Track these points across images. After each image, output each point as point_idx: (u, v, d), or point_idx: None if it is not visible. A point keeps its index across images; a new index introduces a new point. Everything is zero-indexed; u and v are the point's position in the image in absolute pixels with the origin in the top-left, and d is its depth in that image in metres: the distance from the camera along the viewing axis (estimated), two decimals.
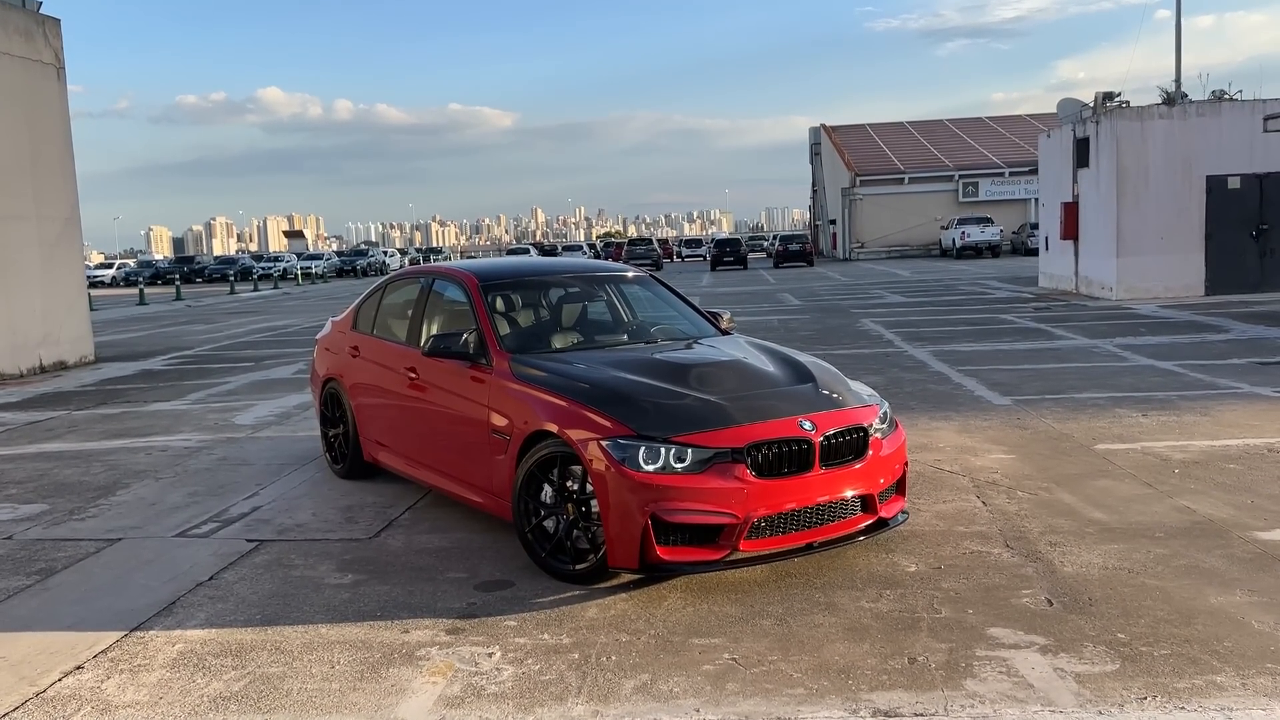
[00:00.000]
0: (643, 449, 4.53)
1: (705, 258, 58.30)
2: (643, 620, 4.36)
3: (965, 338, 14.45)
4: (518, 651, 4.09)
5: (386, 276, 7.28)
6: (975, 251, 44.19)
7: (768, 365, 5.42)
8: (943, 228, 48.25)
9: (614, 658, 3.99)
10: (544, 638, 4.22)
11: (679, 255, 69.51)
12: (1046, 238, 23.64)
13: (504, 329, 5.86)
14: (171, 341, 19.46)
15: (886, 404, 5.35)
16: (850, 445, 4.85)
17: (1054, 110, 22.98)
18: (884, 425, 5.14)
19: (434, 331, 6.13)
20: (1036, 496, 6.07)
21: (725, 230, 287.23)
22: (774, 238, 58.32)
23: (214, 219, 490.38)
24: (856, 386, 5.42)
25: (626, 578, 4.78)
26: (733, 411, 4.74)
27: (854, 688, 3.64)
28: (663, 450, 4.54)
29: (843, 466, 4.80)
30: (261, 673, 3.97)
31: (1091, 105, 21.22)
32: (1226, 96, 20.14)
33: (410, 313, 6.53)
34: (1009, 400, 9.27)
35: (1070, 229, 21.48)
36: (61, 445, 8.89)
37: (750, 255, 53.87)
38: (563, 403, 4.91)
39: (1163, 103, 20.18)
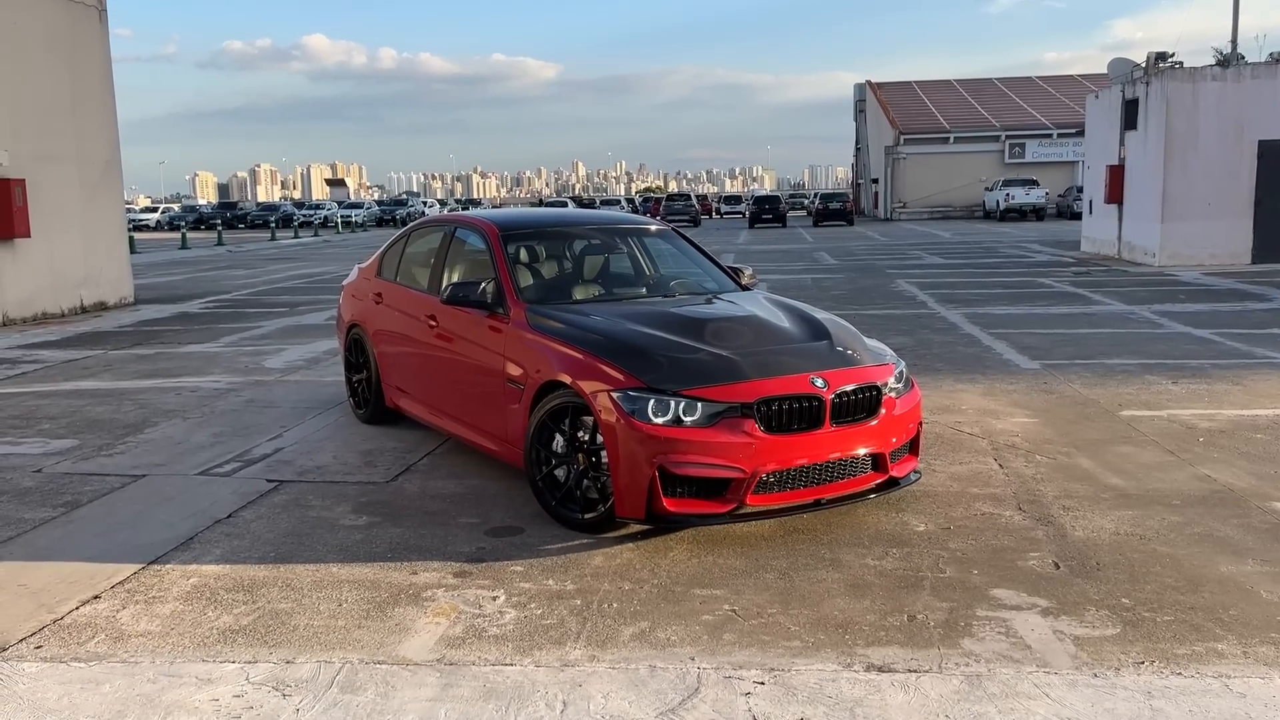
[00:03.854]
0: (652, 401, 4.54)
1: (744, 215, 57.85)
2: (647, 570, 4.40)
3: (1000, 301, 14.27)
4: (522, 596, 4.14)
5: (411, 224, 7.31)
6: (1019, 214, 43.47)
7: (783, 321, 5.39)
8: (987, 189, 47.47)
9: (615, 605, 4.03)
10: (549, 583, 4.27)
11: (718, 212, 68.99)
12: (1090, 201, 23.20)
13: (523, 279, 5.87)
14: (210, 285, 19.72)
15: (903, 363, 5.31)
16: (862, 403, 4.83)
17: (1106, 71, 22.41)
18: (899, 384, 5.10)
19: (454, 280, 6.16)
20: (1055, 461, 6.02)
21: (767, 187, 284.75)
22: (814, 196, 57.70)
23: (258, 166, 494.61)
24: (873, 345, 5.38)
25: (634, 528, 4.82)
26: (744, 366, 4.73)
27: (850, 642, 3.66)
28: (672, 403, 4.54)
29: (854, 424, 4.78)
30: (271, 608, 4.06)
31: (1143, 66, 20.67)
32: None
33: (432, 261, 6.56)
34: (1038, 364, 9.17)
35: (1115, 192, 21.05)
36: (95, 383, 9.07)
37: (790, 213, 53.38)
38: (576, 354, 4.92)
39: (1216, 64, 19.60)
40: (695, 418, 4.54)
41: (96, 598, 4.20)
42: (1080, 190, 43.57)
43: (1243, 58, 20.31)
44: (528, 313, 5.42)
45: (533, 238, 6.35)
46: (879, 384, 4.91)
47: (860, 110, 63.42)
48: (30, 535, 4.99)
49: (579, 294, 5.95)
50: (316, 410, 7.72)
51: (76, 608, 4.10)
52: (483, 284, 5.65)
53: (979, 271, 19.27)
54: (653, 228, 6.84)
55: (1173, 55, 20.71)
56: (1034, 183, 44.65)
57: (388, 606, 4.06)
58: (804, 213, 61.71)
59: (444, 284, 6.19)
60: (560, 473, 5.00)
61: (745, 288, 6.34)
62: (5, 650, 3.72)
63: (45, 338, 12.31)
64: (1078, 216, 41.15)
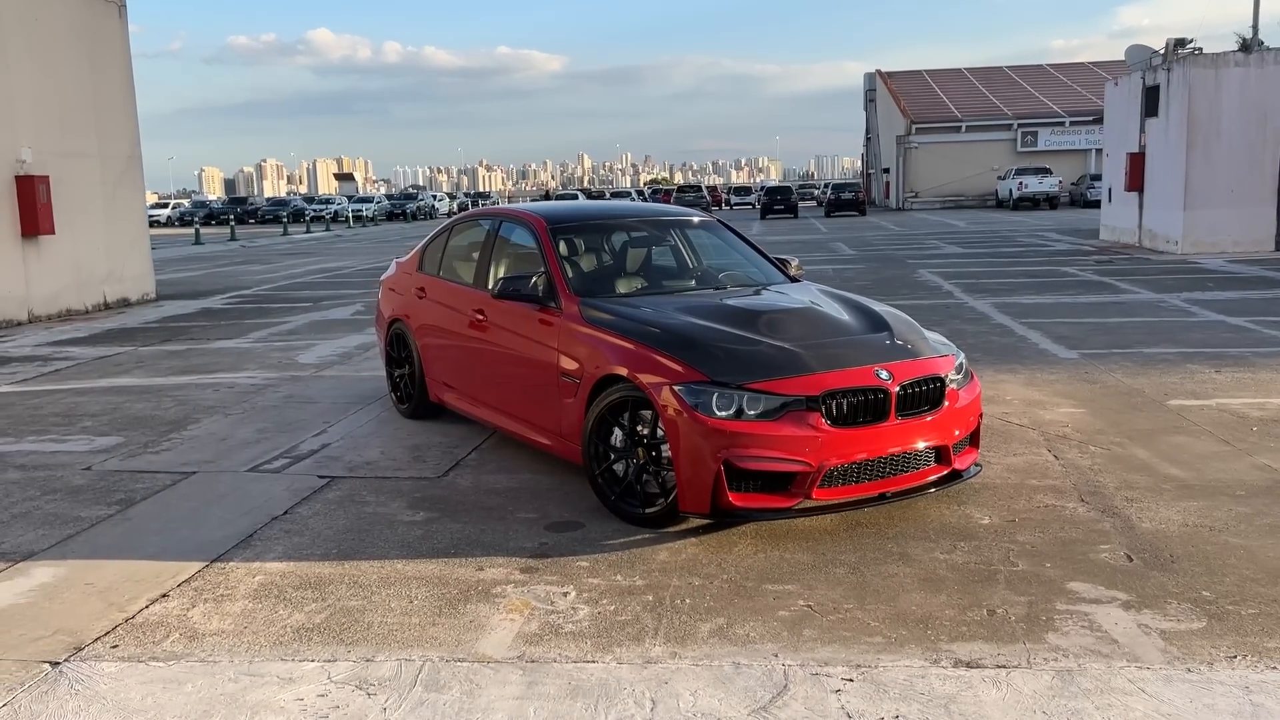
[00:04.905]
0: (716, 395, 4.50)
1: (755, 205, 57.74)
2: (714, 565, 4.36)
3: (1026, 290, 14.19)
4: (592, 592, 4.11)
5: (452, 218, 7.27)
6: (1032, 203, 43.28)
7: (841, 313, 5.35)
8: (999, 178, 47.27)
9: (688, 600, 4.00)
10: (617, 579, 4.24)
11: (728, 203, 68.86)
12: (1110, 189, 23.06)
13: (574, 272, 5.83)
14: (229, 281, 19.72)
15: (962, 354, 5.26)
16: (926, 395, 4.78)
17: (1116, 58, 22.31)
18: (959, 376, 5.06)
19: (501, 274, 6.13)
20: (1109, 451, 5.97)
21: (773, 178, 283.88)
22: (825, 186, 57.54)
23: (264, 161, 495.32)
24: (931, 336, 5.33)
25: (695, 522, 4.78)
26: (807, 359, 4.68)
27: (933, 638, 3.62)
28: (736, 396, 4.50)
29: (918, 417, 4.74)
30: (342, 605, 4.03)
31: (1162, 52, 20.53)
32: None
33: (477, 255, 6.53)
34: (1075, 354, 9.11)
35: (1135, 180, 20.92)
36: (131, 380, 9.06)
37: (800, 204, 53.21)
38: (634, 347, 4.88)
39: (1239, 49, 19.46)
40: (760, 411, 4.50)
41: (165, 596, 4.18)
42: (1094, 178, 43.46)
43: (1262, 43, 20.17)
44: (580, 306, 5.38)
45: (581, 231, 6.31)
46: (942, 376, 4.87)
47: (870, 100, 63.15)
48: (90, 533, 4.97)
49: (630, 286, 5.90)
50: (357, 405, 7.70)
51: (146, 606, 4.08)
52: (534, 278, 5.61)
53: (1000, 260, 19.18)
54: (696, 219, 6.78)
55: (1192, 41, 20.57)
56: (1047, 171, 44.43)
57: (459, 603, 4.03)
58: (814, 203, 61.56)
59: (491, 278, 6.16)
60: (619, 467, 4.97)
61: (793, 279, 6.30)
62: (81, 650, 3.70)
63: (73, 334, 12.32)
64: (1091, 205, 41.05)
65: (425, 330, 6.85)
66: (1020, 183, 43.73)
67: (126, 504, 5.41)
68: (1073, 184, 45.80)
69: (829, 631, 3.70)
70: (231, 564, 4.53)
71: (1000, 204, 46.18)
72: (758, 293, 5.88)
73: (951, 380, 4.94)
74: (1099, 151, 48.28)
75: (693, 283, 6.13)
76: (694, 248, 6.55)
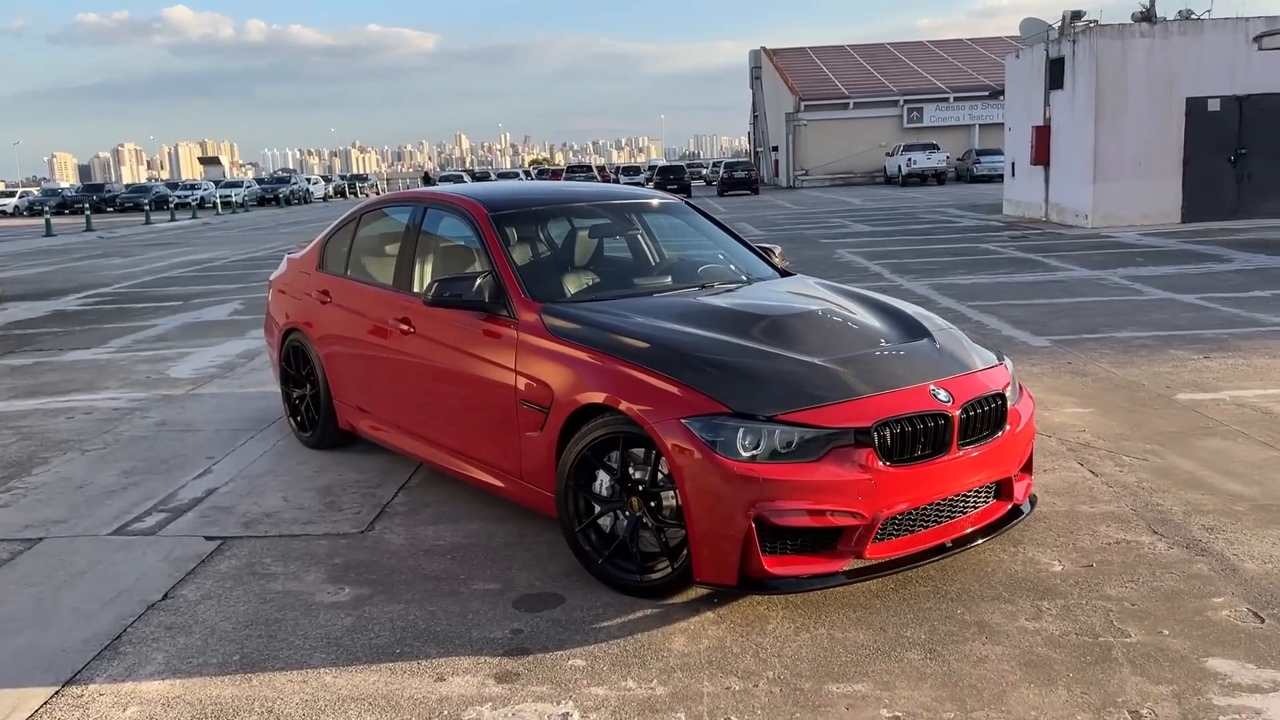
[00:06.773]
0: (742, 430, 3.47)
1: (643, 185, 56.79)
2: (750, 655, 3.35)
3: (956, 269, 13.59)
4: (601, 711, 3.04)
5: (361, 204, 6.01)
6: (920, 179, 43.52)
7: (866, 315, 4.37)
8: (888, 154, 47.44)
9: (734, 719, 2.98)
10: (628, 685, 3.18)
11: (616, 183, 67.81)
12: (1014, 163, 22.86)
13: (528, 272, 4.68)
14: (85, 277, 17.71)
15: (1009, 361, 4.35)
16: (988, 418, 3.85)
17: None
18: (1013, 391, 4.15)
19: (432, 274, 4.97)
20: (1147, 462, 5.19)
21: (655, 157, 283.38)
22: (715, 165, 57.01)
23: (122, 145, 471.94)
24: (972, 343, 4.41)
25: (700, 589, 3.76)
26: (849, 379, 3.70)
27: None
28: (766, 432, 3.48)
29: (980, 444, 3.81)
30: None
31: (1058, 25, 20.34)
32: (1194, 15, 19.36)
33: (396, 251, 5.32)
34: (1046, 341, 8.41)
35: (1041, 154, 20.71)
36: None
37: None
38: (622, 368, 3.81)
39: (1142, 19, 19.35)
40: (796, 449, 3.49)
41: None
42: (980, 153, 44.04)
43: (1156, 14, 20.12)
44: (542, 314, 4.27)
45: (530, 219, 5.17)
46: (1004, 393, 3.95)
47: (756, 77, 62.77)
48: None
49: (593, 284, 4.80)
50: (247, 432, 6.39)
51: None
52: (477, 280, 4.45)
53: (913, 238, 18.66)
54: (656, 201, 5.72)
55: (1086, 14, 20.44)
56: (935, 147, 44.74)
57: None
58: (703, 182, 61.01)
59: (419, 280, 5.01)
60: (605, 521, 3.91)
61: (783, 271, 5.32)
62: None
63: None
64: (978, 180, 41.53)
65: (331, 342, 5.61)
66: (909, 159, 43.91)
67: None
68: (958, 159, 46.30)
69: None
70: (92, 687, 3.30)
71: (889, 180, 46.37)
72: (753, 290, 4.85)
73: (1009, 397, 4.03)
74: (983, 126, 49.19)
75: (669, 279, 5.06)
76: (663, 236, 5.49)
